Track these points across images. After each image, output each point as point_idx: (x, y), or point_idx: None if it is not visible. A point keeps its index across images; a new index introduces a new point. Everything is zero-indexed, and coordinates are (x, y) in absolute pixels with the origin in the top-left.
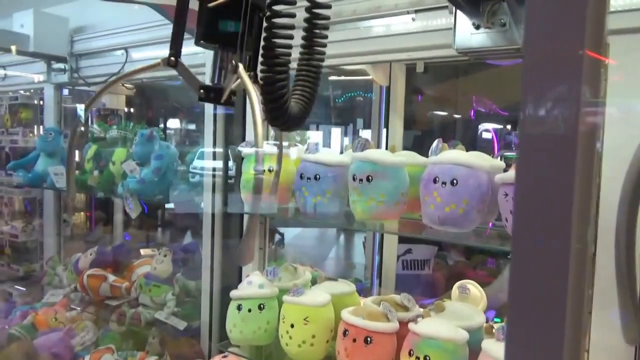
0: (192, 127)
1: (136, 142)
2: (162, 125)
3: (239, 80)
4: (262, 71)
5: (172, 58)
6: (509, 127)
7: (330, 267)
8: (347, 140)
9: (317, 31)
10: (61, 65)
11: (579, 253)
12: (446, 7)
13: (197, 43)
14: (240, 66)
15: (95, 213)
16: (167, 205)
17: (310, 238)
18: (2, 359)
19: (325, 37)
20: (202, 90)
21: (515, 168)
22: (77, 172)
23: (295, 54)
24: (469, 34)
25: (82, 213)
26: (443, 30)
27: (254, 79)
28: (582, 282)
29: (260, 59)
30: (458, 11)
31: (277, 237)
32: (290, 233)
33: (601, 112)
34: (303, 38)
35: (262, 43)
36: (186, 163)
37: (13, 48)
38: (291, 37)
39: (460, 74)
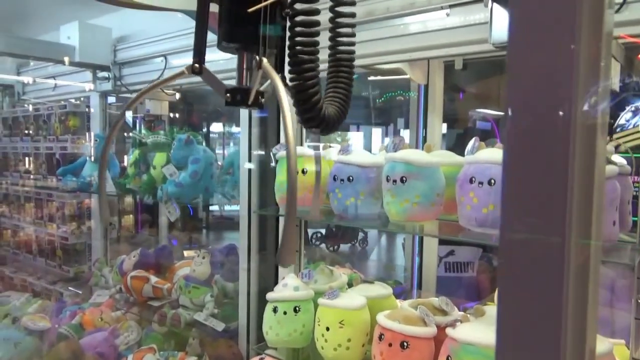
0: (235, 130)
1: (174, 147)
2: (205, 130)
3: (268, 81)
4: (290, 75)
5: (197, 65)
6: None
7: (372, 269)
8: (387, 141)
9: (342, 30)
10: (105, 74)
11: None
12: (481, 0)
13: (219, 47)
14: (265, 60)
15: (142, 216)
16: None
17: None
18: (51, 357)
19: (352, 34)
20: (228, 94)
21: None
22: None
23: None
24: (505, 27)
25: (130, 216)
26: (479, 25)
27: (283, 82)
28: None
29: (287, 61)
30: (494, 4)
31: (361, 235)
32: None
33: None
34: (329, 38)
35: (287, 43)
36: (223, 166)
37: (66, 59)
38: (317, 35)
39: (501, 70)
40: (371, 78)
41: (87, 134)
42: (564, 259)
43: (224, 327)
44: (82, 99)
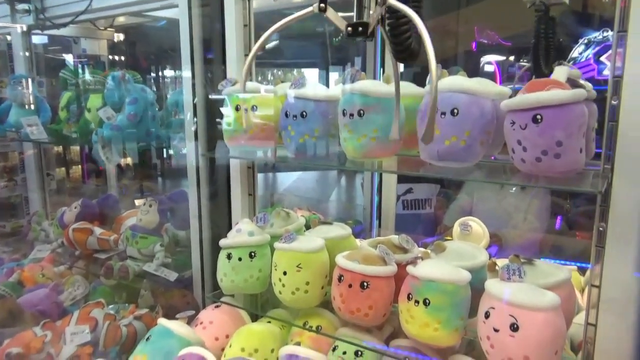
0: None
1: (108, 86)
2: (154, 74)
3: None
4: (389, 20)
5: (322, 5)
6: (512, 58)
7: (332, 210)
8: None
9: None
10: (25, 6)
11: None
12: None
13: None
14: None
15: (87, 165)
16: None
17: (310, 181)
18: None
19: None
20: (349, 28)
21: None
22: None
23: None
24: None
25: (78, 166)
26: None
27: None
28: None
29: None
30: None
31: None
32: (289, 177)
33: None
34: None
35: None
36: (167, 107)
37: None
38: None
39: (461, 4)
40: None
41: (9, 76)
42: None
43: (177, 277)
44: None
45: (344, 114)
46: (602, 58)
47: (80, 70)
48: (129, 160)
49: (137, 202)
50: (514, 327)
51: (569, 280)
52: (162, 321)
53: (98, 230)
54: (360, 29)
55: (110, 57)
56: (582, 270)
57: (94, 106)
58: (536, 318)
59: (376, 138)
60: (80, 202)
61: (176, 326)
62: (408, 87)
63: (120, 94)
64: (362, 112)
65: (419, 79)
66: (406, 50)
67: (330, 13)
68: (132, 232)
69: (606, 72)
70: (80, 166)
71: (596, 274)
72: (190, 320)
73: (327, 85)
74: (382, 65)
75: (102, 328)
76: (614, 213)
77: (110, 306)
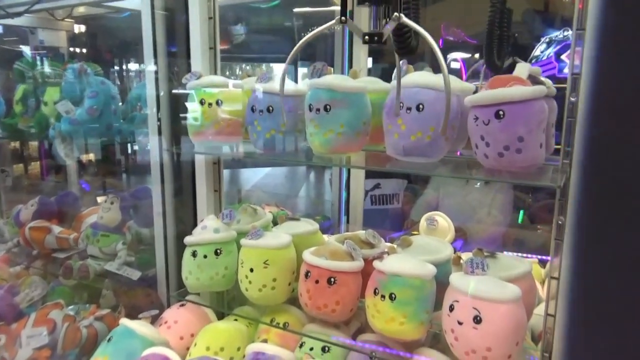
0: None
1: (65, 79)
2: (118, 67)
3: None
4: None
5: (343, 17)
6: (477, 55)
7: (300, 206)
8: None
9: None
10: None
11: None
12: None
13: (359, 4)
14: (402, 16)
15: (46, 161)
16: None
17: (278, 176)
18: None
19: None
20: (366, 37)
21: None
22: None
23: None
24: None
25: (29, 162)
26: None
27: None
28: None
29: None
30: None
31: None
32: (257, 172)
33: None
34: None
35: None
36: (129, 101)
37: None
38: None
39: (427, 1)
40: (297, 10)
41: None
42: None
43: (140, 276)
44: None
45: (310, 109)
46: (563, 56)
47: (38, 62)
48: (90, 156)
49: (99, 199)
50: (477, 320)
51: (530, 272)
52: (125, 321)
53: (57, 229)
54: (376, 38)
55: (70, 48)
56: (542, 263)
57: (52, 99)
58: (498, 310)
59: (342, 133)
60: (38, 199)
61: (139, 326)
62: (375, 83)
63: (80, 87)
64: (328, 107)
65: (386, 74)
66: (407, 47)
67: (350, 24)
68: (93, 230)
69: (566, 70)
70: (39, 162)
71: (555, 266)
72: (154, 320)
73: (296, 80)
74: (350, 60)
75: (60, 330)
76: (573, 207)
77: (70, 307)
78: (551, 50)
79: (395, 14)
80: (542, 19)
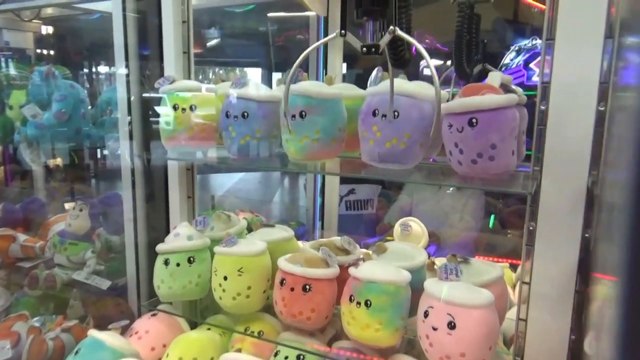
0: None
1: (32, 82)
2: (88, 70)
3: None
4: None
5: (343, 31)
6: (449, 62)
7: (275, 212)
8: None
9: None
10: None
11: None
12: None
13: (357, 18)
14: (398, 29)
15: (11, 166)
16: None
17: (252, 182)
18: None
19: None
20: (364, 48)
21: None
22: None
23: None
24: None
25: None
26: None
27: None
28: None
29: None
30: None
31: None
32: (231, 178)
33: None
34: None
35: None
36: (99, 105)
37: None
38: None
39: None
40: (270, 14)
41: None
42: None
43: (110, 285)
44: None
45: (286, 115)
46: (531, 65)
47: (3, 64)
48: (58, 161)
49: (67, 205)
50: (452, 325)
51: (502, 277)
52: (93, 332)
53: (22, 237)
54: (373, 50)
55: (38, 50)
56: (513, 267)
57: (17, 103)
58: (472, 316)
59: (318, 139)
60: (2, 206)
61: (108, 337)
62: (350, 89)
63: (47, 90)
64: (304, 113)
65: (361, 80)
66: (401, 59)
67: (349, 37)
68: (61, 238)
69: (535, 78)
70: (2, 167)
71: (526, 271)
72: (124, 331)
73: (270, 86)
74: (325, 66)
75: (25, 343)
76: (543, 213)
77: (35, 319)
78: (520, 59)
79: (391, 27)
80: (511, 28)
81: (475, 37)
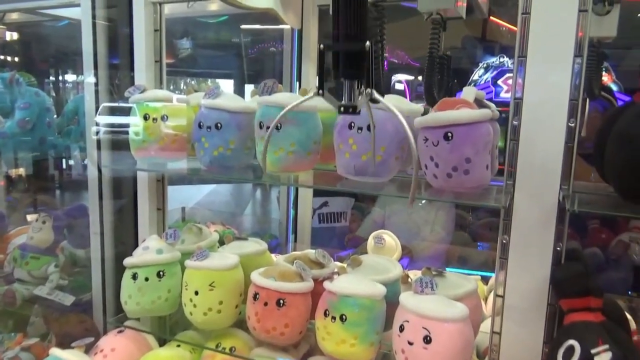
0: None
1: None
2: (54, 78)
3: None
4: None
5: (320, 91)
6: (420, 78)
7: (247, 224)
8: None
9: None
10: None
11: None
12: None
13: (335, 79)
14: (374, 92)
15: None
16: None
17: (224, 194)
18: None
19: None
20: (341, 108)
21: None
22: None
23: None
24: None
25: None
26: None
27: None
28: None
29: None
30: None
31: None
32: (202, 190)
33: None
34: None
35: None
36: (65, 114)
37: None
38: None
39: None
40: (244, 26)
41: None
42: None
43: (73, 300)
44: None
45: (260, 127)
46: (499, 82)
47: None
48: (20, 170)
49: (29, 217)
50: (427, 340)
51: (476, 290)
52: (55, 351)
53: None
54: (351, 110)
55: (1, 56)
56: (484, 279)
57: None
58: (447, 329)
59: (293, 152)
60: None
61: (71, 356)
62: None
63: (10, 97)
64: (279, 125)
65: (332, 93)
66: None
67: (327, 96)
68: (22, 252)
69: (503, 94)
70: None
71: (500, 284)
72: (88, 349)
73: (244, 97)
74: (299, 78)
75: None
76: (516, 226)
77: None
78: (488, 76)
79: (367, 90)
80: (480, 46)
81: (446, 76)
